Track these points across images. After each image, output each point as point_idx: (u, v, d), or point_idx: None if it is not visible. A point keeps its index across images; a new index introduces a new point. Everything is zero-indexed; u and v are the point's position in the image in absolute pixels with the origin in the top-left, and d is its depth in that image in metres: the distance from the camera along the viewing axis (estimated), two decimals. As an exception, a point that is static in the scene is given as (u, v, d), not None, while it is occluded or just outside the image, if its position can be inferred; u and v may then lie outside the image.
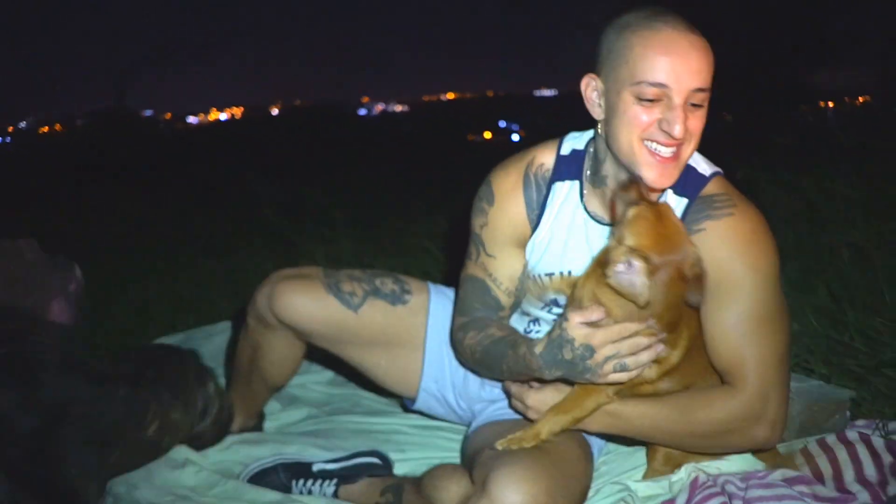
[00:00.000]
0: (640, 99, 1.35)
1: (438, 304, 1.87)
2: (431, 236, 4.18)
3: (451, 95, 64.98)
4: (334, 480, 1.84)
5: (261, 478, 1.85)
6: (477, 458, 1.56)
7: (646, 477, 1.66)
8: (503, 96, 52.27)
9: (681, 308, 1.39)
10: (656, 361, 1.40)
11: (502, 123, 23.51)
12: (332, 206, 4.85)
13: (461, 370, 1.84)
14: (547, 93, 50.57)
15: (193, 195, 6.80)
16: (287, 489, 1.84)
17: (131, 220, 5.68)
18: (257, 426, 2.24)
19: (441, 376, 1.88)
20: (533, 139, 1.71)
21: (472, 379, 1.84)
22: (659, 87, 1.33)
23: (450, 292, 1.90)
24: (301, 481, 1.86)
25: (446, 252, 3.74)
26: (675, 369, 1.46)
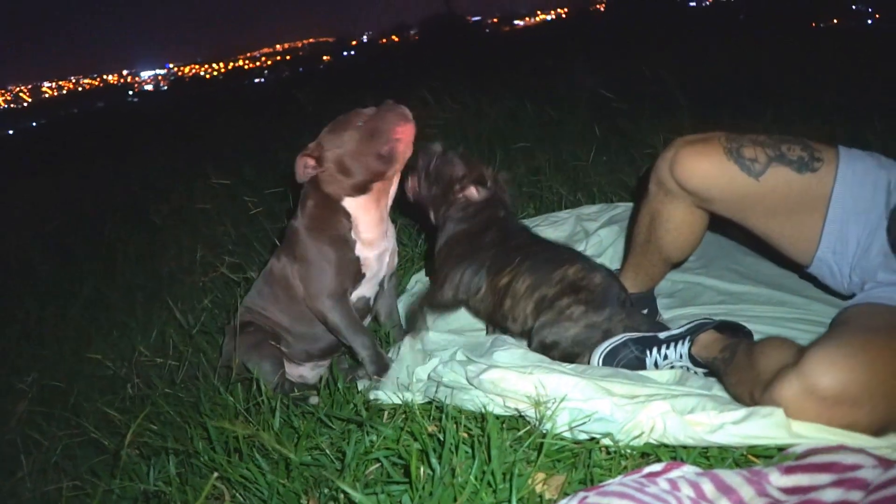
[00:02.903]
0: None
1: (847, 171, 1.71)
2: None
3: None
4: (686, 338, 1.82)
5: (614, 355, 1.87)
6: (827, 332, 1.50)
7: None
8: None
9: None
10: None
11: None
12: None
13: (864, 243, 1.70)
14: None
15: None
16: (641, 362, 1.86)
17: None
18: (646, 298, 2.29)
19: (841, 248, 1.75)
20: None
21: (876, 253, 1.69)
22: None
23: (865, 158, 1.75)
24: (654, 349, 1.86)
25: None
26: None
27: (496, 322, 2.16)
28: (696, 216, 1.97)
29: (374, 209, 2.21)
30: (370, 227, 2.22)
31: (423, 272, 2.85)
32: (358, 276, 2.24)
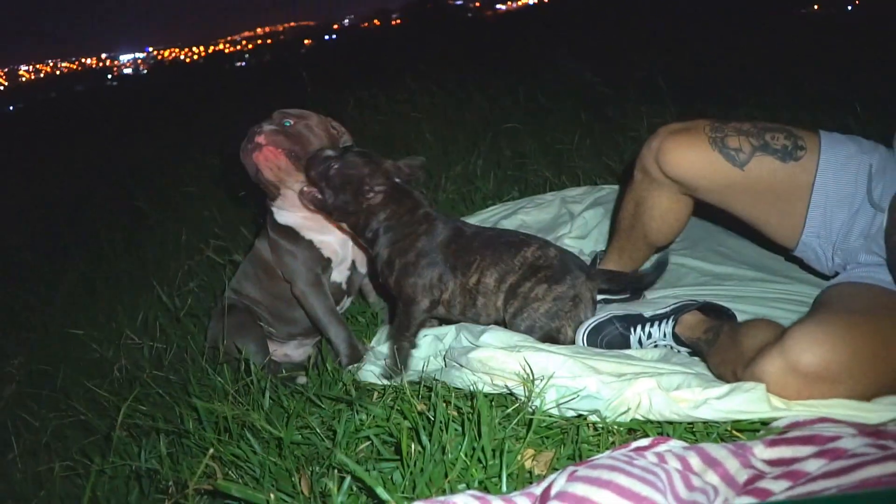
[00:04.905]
0: None
1: (829, 158, 1.74)
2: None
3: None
4: (671, 318, 1.86)
5: (598, 331, 1.89)
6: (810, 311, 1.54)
7: None
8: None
9: None
10: None
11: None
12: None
13: (846, 226, 1.74)
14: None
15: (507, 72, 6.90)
16: (625, 339, 1.89)
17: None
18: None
19: (824, 233, 1.78)
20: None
21: (857, 236, 1.73)
22: None
23: (846, 142, 1.77)
24: (638, 327, 1.89)
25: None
26: None
27: (466, 320, 2.06)
28: (681, 203, 2.00)
29: (294, 208, 2.29)
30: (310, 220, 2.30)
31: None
32: (323, 261, 2.30)
